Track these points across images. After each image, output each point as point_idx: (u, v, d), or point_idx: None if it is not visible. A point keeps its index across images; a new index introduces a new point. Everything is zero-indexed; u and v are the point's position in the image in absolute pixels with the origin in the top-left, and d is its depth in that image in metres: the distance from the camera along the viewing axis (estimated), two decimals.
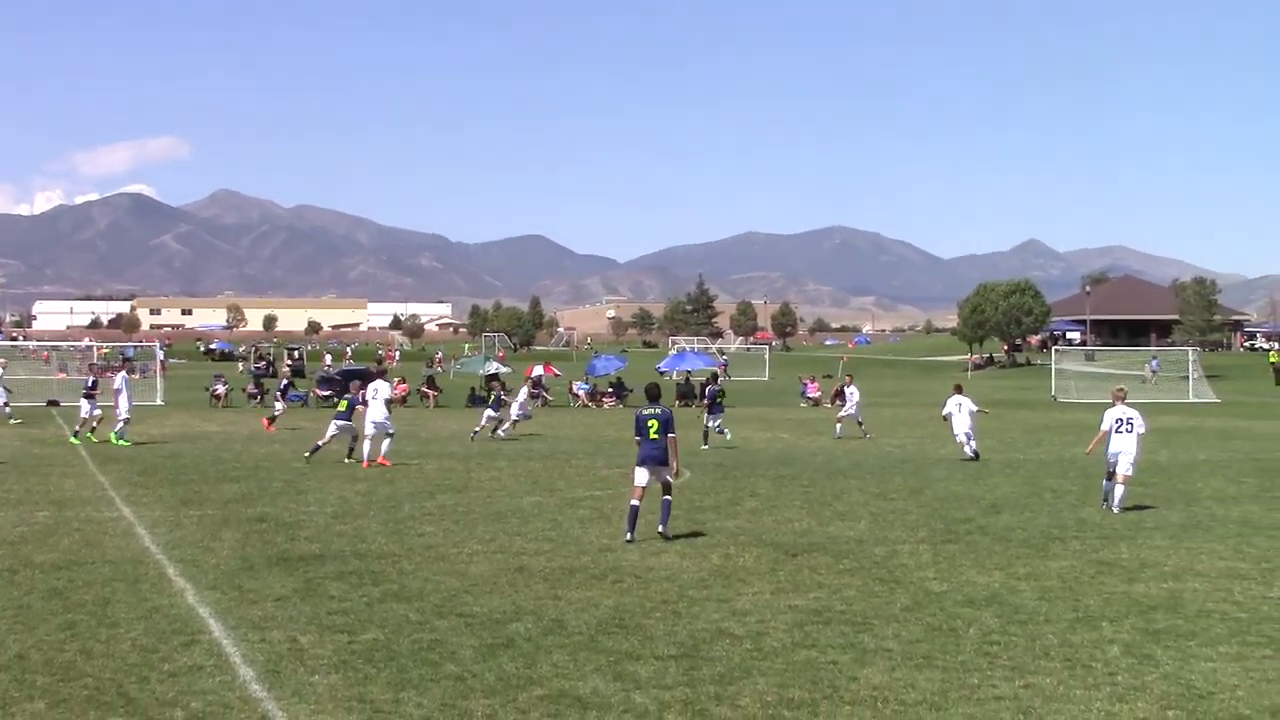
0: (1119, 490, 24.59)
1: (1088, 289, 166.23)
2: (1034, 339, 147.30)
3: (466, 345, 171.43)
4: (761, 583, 16.67)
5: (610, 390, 73.66)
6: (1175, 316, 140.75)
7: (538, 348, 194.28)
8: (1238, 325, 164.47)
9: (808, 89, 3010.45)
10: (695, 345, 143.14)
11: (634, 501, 20.61)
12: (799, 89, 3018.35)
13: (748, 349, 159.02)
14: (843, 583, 16.74)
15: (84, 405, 41.07)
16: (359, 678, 11.83)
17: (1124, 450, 24.78)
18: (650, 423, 20.81)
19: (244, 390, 70.13)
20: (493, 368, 77.02)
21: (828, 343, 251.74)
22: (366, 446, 32.83)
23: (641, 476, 20.77)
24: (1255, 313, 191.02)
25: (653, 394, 21.75)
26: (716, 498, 26.20)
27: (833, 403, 72.41)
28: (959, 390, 38.29)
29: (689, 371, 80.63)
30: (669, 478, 21.00)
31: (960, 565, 18.20)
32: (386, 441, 33.06)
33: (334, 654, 12.70)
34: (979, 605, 15.35)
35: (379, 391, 33.98)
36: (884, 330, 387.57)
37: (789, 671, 12.21)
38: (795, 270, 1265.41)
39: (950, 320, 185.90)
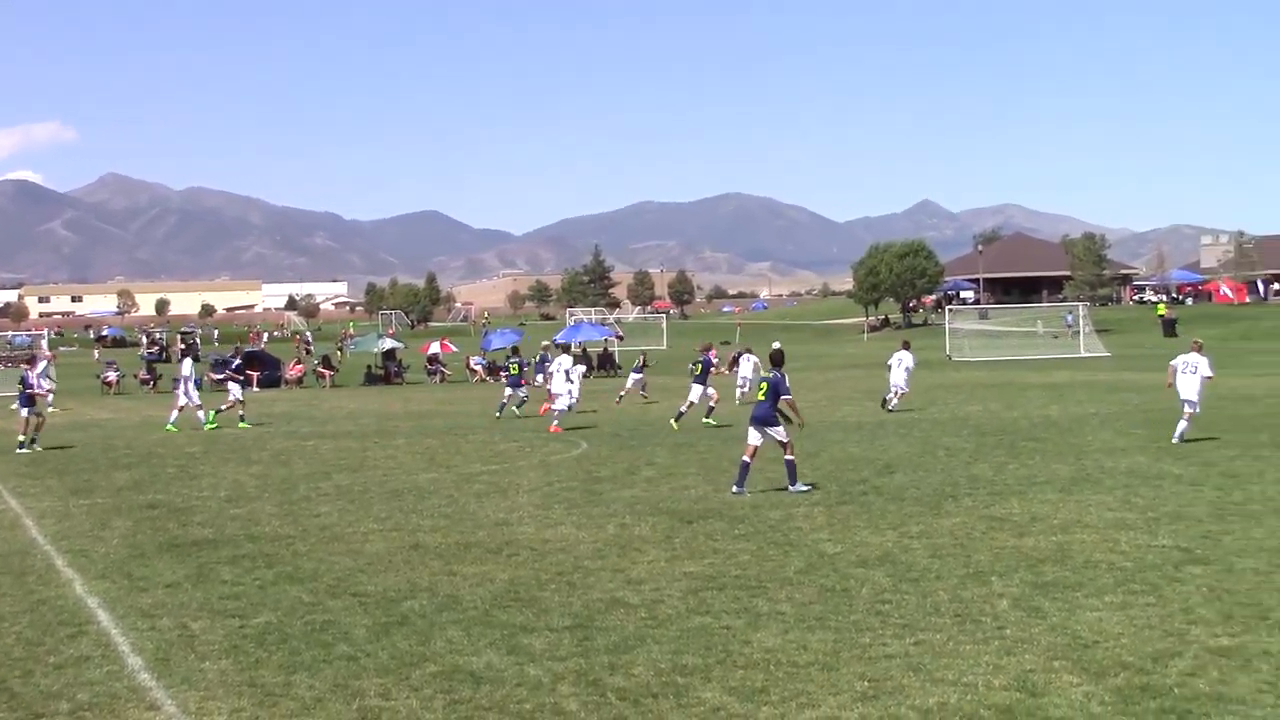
0: (1182, 424, 28.22)
1: (980, 248, 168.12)
2: (929, 299, 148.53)
3: (351, 324, 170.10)
4: (657, 551, 16.73)
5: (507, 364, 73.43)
6: (1066, 273, 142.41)
7: (435, 324, 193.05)
8: (1127, 279, 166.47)
9: (696, 55, 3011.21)
10: (592, 316, 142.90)
11: (745, 458, 22.34)
12: (687, 56, 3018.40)
13: (645, 318, 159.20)
14: (738, 548, 16.84)
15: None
16: (250, 662, 11.75)
17: (1187, 390, 28.60)
18: (762, 385, 22.55)
19: (136, 376, 69.28)
20: (387, 345, 76.58)
21: (725, 309, 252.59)
22: None
23: (751, 436, 22.26)
24: (1144, 266, 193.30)
25: (776, 359, 22.97)
26: (614, 467, 26.27)
27: (730, 370, 72.80)
28: (905, 346, 41.08)
29: (585, 343, 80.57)
30: (782, 438, 22.01)
31: (854, 526, 18.36)
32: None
33: (225, 639, 12.61)
34: (872, 565, 15.50)
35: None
36: (781, 295, 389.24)
37: (683, 638, 12.27)
38: (692, 238, 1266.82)
39: (846, 283, 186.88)
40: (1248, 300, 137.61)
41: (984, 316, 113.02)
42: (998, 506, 19.87)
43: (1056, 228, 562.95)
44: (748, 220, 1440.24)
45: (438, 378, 70.88)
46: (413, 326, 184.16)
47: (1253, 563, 15.11)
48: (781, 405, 22.33)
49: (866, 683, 10.71)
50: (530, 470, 26.32)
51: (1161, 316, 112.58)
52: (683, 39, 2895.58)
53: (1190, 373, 28.88)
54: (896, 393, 39.70)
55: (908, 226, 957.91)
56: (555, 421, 36.10)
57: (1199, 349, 29.77)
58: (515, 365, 43.96)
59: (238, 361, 45.44)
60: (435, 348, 75.88)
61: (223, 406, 41.49)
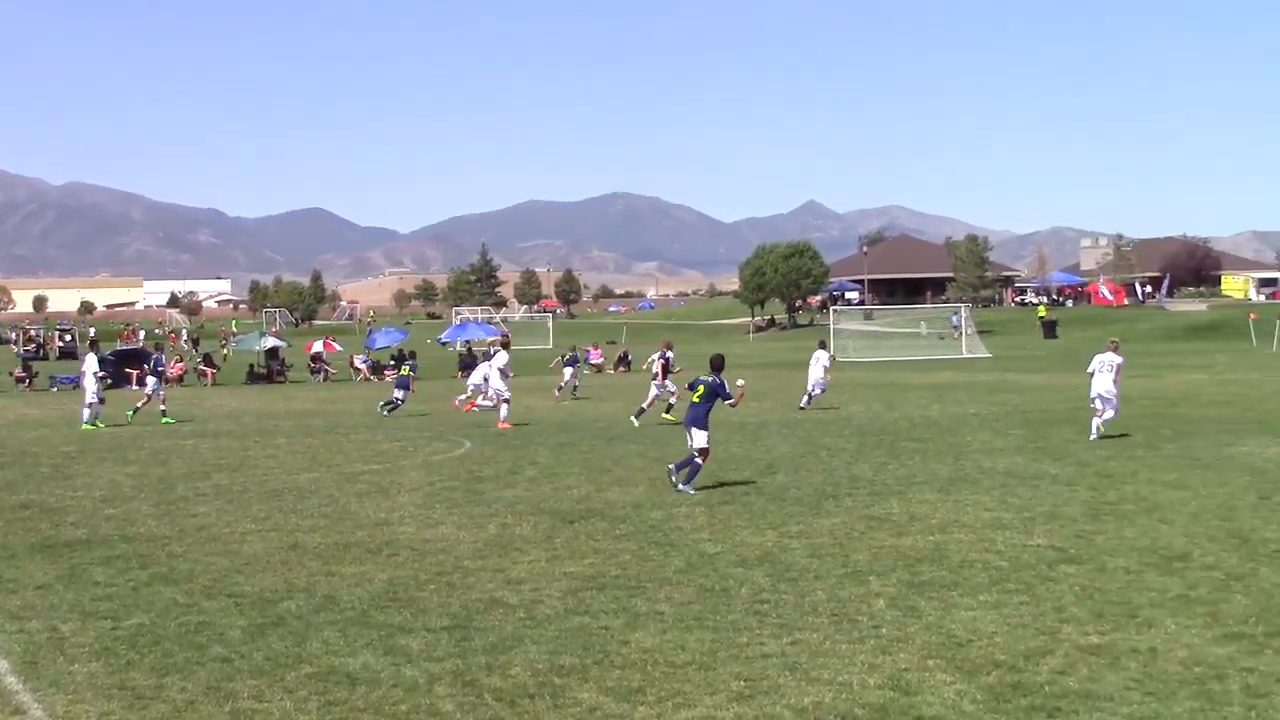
0: (1096, 421, 29.34)
1: (865, 249, 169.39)
2: (814, 299, 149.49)
3: (234, 322, 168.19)
4: (538, 551, 16.70)
5: (391, 363, 73.08)
6: (950, 274, 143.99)
7: (320, 322, 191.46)
8: (1009, 281, 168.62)
9: (584, 55, 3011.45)
10: (479, 315, 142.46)
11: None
12: (575, 55, 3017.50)
13: (532, 317, 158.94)
14: (618, 548, 16.85)
15: None
16: (121, 664, 11.59)
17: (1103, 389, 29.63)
18: (699, 387, 22.95)
19: (11, 374, 68.02)
20: (269, 343, 75.86)
21: (612, 309, 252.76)
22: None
23: (689, 435, 22.64)
24: (1025, 269, 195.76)
25: (715, 364, 23.51)
26: (496, 467, 26.18)
27: (616, 369, 72.95)
28: (822, 345, 42.60)
29: (470, 341, 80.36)
30: (703, 444, 22.41)
31: (735, 526, 18.44)
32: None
33: (96, 641, 12.42)
34: (751, 565, 15.58)
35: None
36: (668, 295, 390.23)
37: (561, 638, 12.27)
38: (579, 237, 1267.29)
39: (733, 284, 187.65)
40: (1126, 302, 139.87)
41: (868, 317, 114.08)
42: (877, 506, 20.04)
43: (941, 229, 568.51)
44: (635, 220, 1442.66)
45: (321, 376, 70.30)
46: (297, 325, 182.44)
47: (1124, 562, 15.37)
48: (729, 405, 23.27)
49: (743, 682, 10.77)
50: (412, 470, 26.17)
51: (1041, 318, 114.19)
52: (570, 37, 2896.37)
53: (1105, 371, 29.88)
54: (813, 392, 40.58)
55: (794, 227, 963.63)
56: (503, 419, 36.17)
57: (1115, 348, 30.81)
58: (406, 368, 44.00)
59: (157, 355, 45.24)
60: (318, 346, 75.23)
61: (139, 404, 41.63)
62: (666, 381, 39.24)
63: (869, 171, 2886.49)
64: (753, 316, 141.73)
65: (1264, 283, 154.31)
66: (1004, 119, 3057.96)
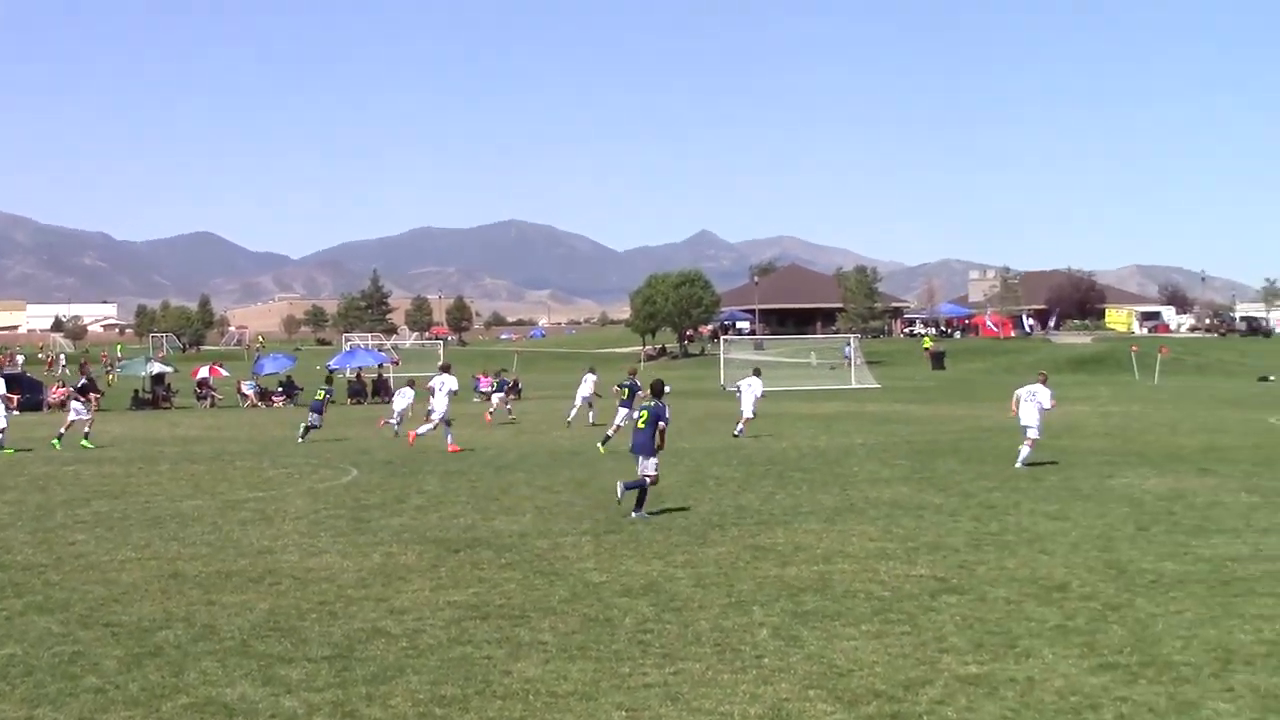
0: (1024, 450, 30.37)
1: (756, 279, 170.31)
2: (705, 329, 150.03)
3: (119, 346, 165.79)
4: (422, 580, 16.60)
5: (280, 389, 72.50)
6: (839, 305, 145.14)
7: (208, 348, 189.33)
8: (897, 312, 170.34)
9: (478, 80, 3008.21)
10: (369, 342, 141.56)
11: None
12: (469, 80, 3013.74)
13: (423, 344, 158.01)
14: (503, 577, 16.79)
15: None
16: None
17: (1027, 418, 30.75)
18: (642, 413, 23.13)
19: None
20: (155, 369, 74.89)
21: (503, 336, 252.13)
22: None
23: (638, 463, 22.78)
24: (914, 300, 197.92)
25: (656, 390, 23.57)
26: (383, 495, 26.00)
27: (508, 396, 72.69)
28: (756, 373, 43.34)
29: (360, 368, 79.82)
30: (651, 471, 22.59)
31: (621, 555, 18.44)
32: None
33: None
34: (636, 594, 15.59)
35: None
36: (560, 323, 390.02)
37: (443, 668, 12.20)
38: (471, 264, 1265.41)
39: (625, 312, 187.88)
40: (1013, 334, 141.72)
41: (759, 347, 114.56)
42: (763, 536, 20.12)
43: (832, 260, 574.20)
44: (528, 248, 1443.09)
45: (207, 402, 69.56)
46: (184, 350, 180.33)
47: (1004, 592, 15.54)
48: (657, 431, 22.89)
49: (624, 713, 10.77)
50: (297, 497, 25.92)
51: (927, 349, 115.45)
52: (464, 64, 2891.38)
53: (1030, 401, 31.11)
54: (743, 419, 41.22)
55: (687, 257, 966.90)
56: (450, 440, 36.93)
57: (1044, 380, 32.20)
58: (322, 392, 43.94)
59: (83, 381, 44.56)
60: (204, 372, 74.41)
61: (62, 430, 40.96)
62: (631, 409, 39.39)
63: (761, 202, 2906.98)
64: (644, 345, 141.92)
65: (1146, 316, 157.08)
66: (896, 152, 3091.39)
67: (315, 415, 41.93)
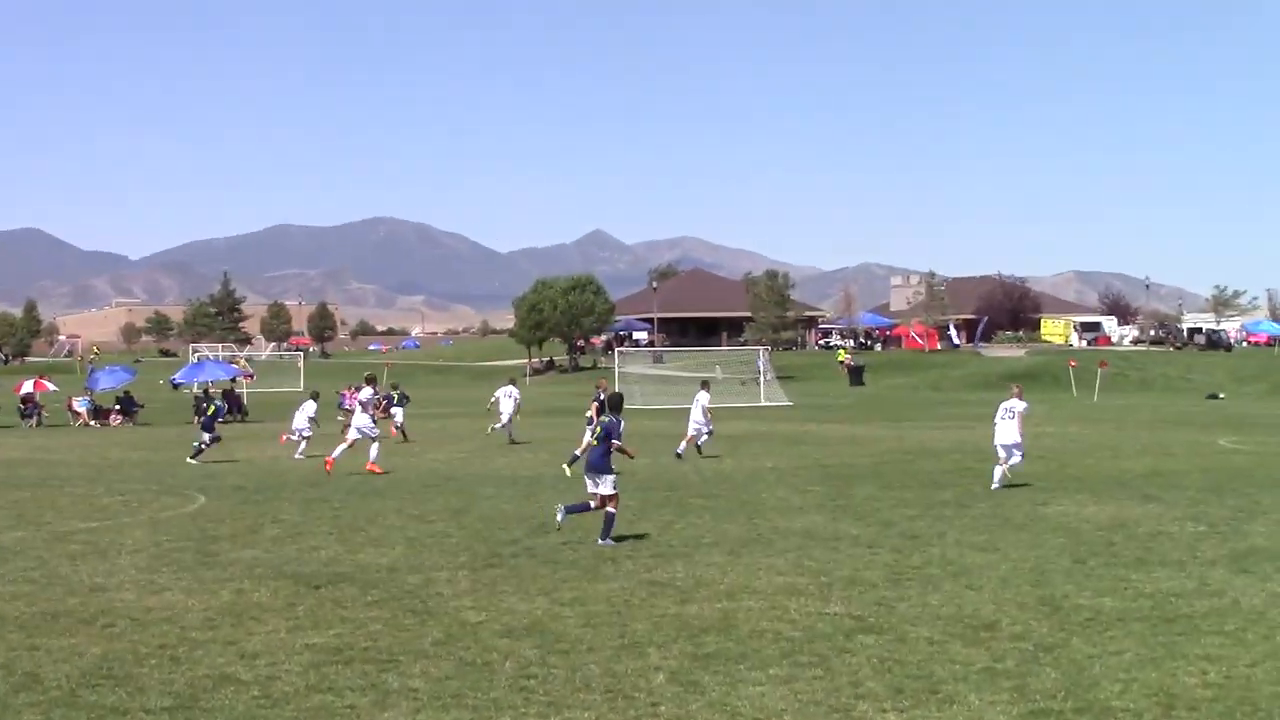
0: (999, 470, 31.26)
1: (655, 284, 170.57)
2: (598, 339, 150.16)
3: None
4: (277, 620, 16.50)
5: (116, 407, 71.68)
6: (747, 313, 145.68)
7: (34, 359, 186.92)
8: (812, 322, 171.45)
9: (341, 63, 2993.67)
10: (219, 353, 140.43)
11: (591, 503, 23.56)
12: (331, 62, 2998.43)
13: (280, 356, 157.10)
14: (369, 616, 16.73)
15: None
16: None
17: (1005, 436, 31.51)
18: (596, 429, 24.26)
19: None
20: None
21: (372, 347, 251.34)
22: None
23: (589, 484, 23.54)
24: (831, 309, 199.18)
25: (613, 404, 25.07)
26: (234, 525, 25.80)
27: (385, 413, 72.28)
28: (705, 386, 44.36)
29: (210, 383, 79.10)
30: (609, 490, 23.10)
31: (501, 592, 18.42)
32: None
33: None
34: (518, 635, 15.58)
35: None
36: (436, 333, 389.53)
37: (300, 719, 12.13)
38: (336, 267, 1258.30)
39: (508, 320, 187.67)
40: (938, 346, 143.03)
41: (658, 360, 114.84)
42: (660, 570, 20.17)
43: (739, 264, 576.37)
44: (400, 248, 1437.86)
45: (33, 421, 68.64)
46: (6, 362, 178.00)
47: (927, 631, 15.68)
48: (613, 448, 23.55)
49: None
50: (136, 528, 25.64)
51: (842, 363, 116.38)
52: (324, 41, 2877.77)
53: (1009, 418, 31.82)
54: (698, 434, 42.34)
55: (577, 259, 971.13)
56: (373, 459, 37.36)
57: (1019, 394, 33.02)
58: (212, 407, 44.41)
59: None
60: (29, 387, 73.37)
61: None
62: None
63: (661, 200, 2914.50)
64: (530, 358, 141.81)
65: (1086, 327, 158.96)
66: (809, 146, 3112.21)
67: (209, 434, 42.29)
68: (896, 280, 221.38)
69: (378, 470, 36.70)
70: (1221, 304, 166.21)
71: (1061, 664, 14.14)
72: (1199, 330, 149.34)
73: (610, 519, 23.09)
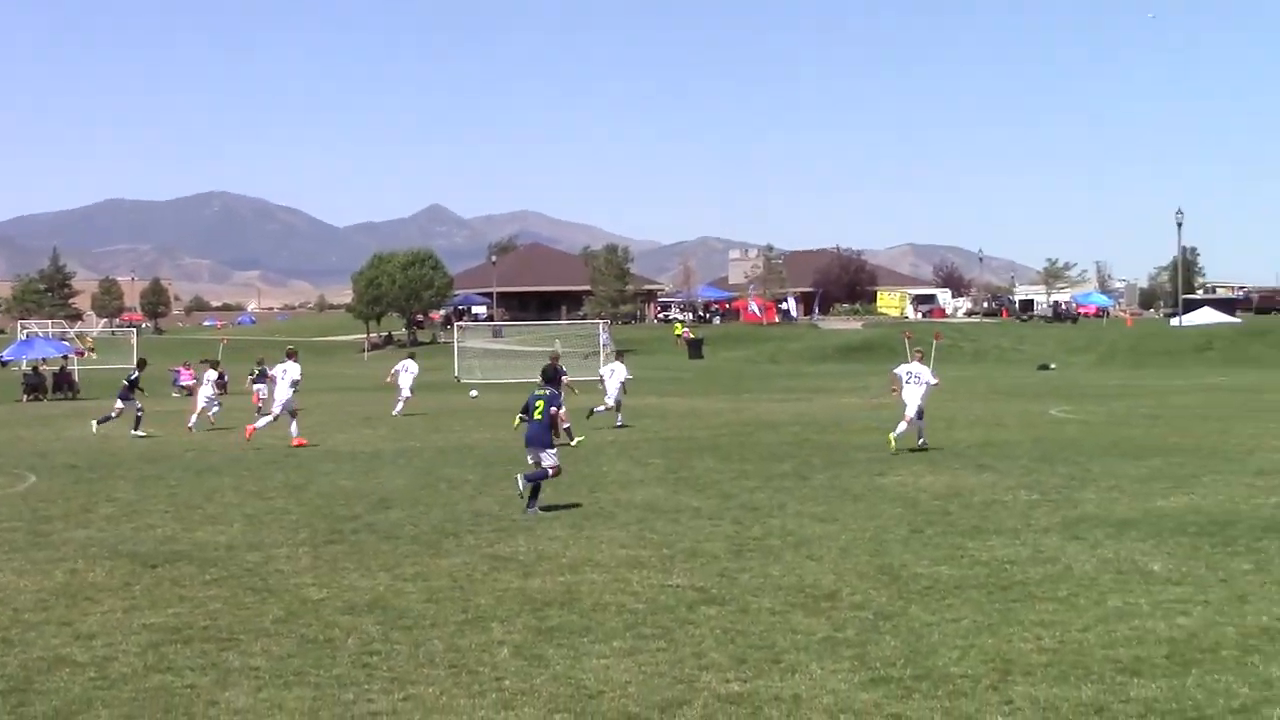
0: (902, 426, 33.51)
1: (494, 259, 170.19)
2: (437, 314, 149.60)
3: None
4: (113, 600, 16.25)
5: None
6: (587, 287, 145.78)
7: None
8: (652, 296, 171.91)
9: (174, 39, 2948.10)
10: (49, 330, 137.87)
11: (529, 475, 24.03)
12: (163, 39, 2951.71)
13: (113, 333, 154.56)
14: (208, 595, 16.53)
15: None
16: None
17: (912, 399, 34.12)
18: (537, 403, 24.30)
19: None
20: None
21: (207, 324, 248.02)
22: None
23: (530, 457, 24.42)
24: (670, 282, 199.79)
25: (548, 375, 27.03)
26: (66, 504, 25.35)
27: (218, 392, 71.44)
28: (619, 356, 47.02)
29: (40, 360, 77.65)
30: (552, 462, 24.01)
31: (343, 568, 18.29)
32: None
33: None
34: (360, 612, 15.48)
35: None
36: (272, 308, 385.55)
37: (138, 700, 11.96)
38: (169, 242, 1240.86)
39: (346, 295, 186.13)
40: (776, 320, 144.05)
41: (498, 334, 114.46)
42: (502, 544, 20.13)
43: (578, 238, 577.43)
44: (234, 223, 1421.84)
45: None
46: None
47: (768, 602, 15.79)
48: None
49: None
50: None
51: (680, 336, 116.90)
52: (160, 14, 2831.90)
53: (914, 382, 34.49)
54: (616, 404, 43.37)
55: (415, 233, 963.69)
56: (295, 432, 37.90)
57: (920, 358, 36.57)
58: (133, 379, 44.91)
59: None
60: None
61: None
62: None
63: (499, 174, 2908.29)
64: (368, 333, 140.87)
65: (920, 299, 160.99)
66: (646, 121, 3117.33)
67: (122, 403, 43.28)
68: (735, 254, 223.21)
69: (303, 442, 37.04)
70: (1053, 276, 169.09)
71: (901, 632, 14.31)
72: (1031, 303, 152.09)
73: (538, 488, 23.71)
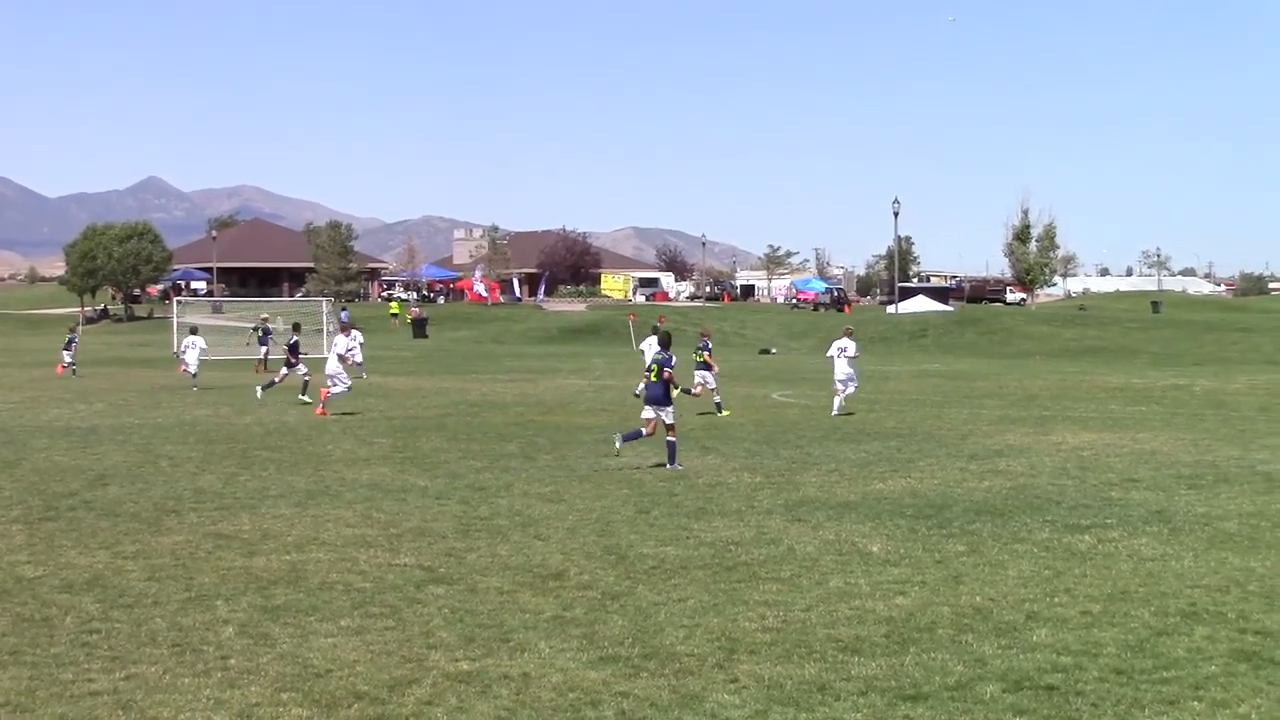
0: (837, 400, 38.58)
1: (214, 234, 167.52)
2: (154, 289, 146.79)
3: None
4: None
5: None
6: (310, 264, 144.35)
7: None
8: (375, 274, 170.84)
9: None
10: None
11: (642, 430, 27.58)
12: None
13: None
14: None
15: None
16: None
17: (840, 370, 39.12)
18: (652, 366, 27.41)
19: None
20: None
21: None
22: None
23: (647, 412, 27.36)
24: (394, 261, 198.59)
25: (663, 341, 28.48)
26: None
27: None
28: (352, 328, 44.55)
29: None
30: (669, 419, 26.94)
31: (60, 546, 17.87)
32: None
33: None
34: (79, 590, 15.15)
35: None
36: None
37: None
38: None
39: (59, 268, 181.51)
40: (501, 300, 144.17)
41: (217, 309, 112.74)
42: (226, 523, 19.87)
43: (300, 214, 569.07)
44: None
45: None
46: None
47: (496, 581, 15.83)
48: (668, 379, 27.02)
49: None
50: None
51: (395, 316, 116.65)
52: None
53: (842, 357, 39.16)
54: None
55: (132, 206, 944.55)
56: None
57: (849, 334, 40.52)
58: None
59: None
60: None
61: None
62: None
63: (218, 147, 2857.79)
64: (83, 306, 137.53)
65: (644, 283, 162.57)
66: (370, 95, 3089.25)
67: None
68: (459, 233, 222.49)
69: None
70: (774, 262, 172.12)
71: (628, 611, 14.45)
72: (753, 288, 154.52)
73: (673, 446, 26.87)
